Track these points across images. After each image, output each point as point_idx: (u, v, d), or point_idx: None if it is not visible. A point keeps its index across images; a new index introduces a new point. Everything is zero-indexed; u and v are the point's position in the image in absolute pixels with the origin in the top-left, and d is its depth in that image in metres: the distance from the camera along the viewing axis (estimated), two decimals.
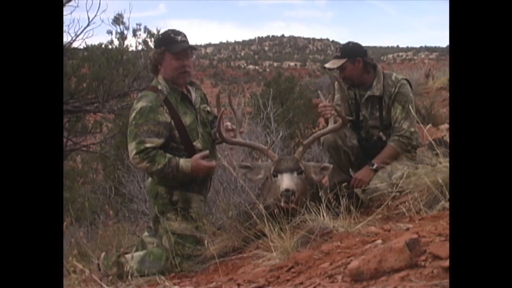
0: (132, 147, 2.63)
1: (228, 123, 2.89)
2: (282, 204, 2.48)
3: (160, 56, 2.75)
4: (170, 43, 2.73)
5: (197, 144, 2.79)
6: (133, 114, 2.65)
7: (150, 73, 3.05)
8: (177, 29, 2.83)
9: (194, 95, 2.91)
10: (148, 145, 2.62)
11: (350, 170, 3.07)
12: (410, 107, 3.01)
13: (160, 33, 2.95)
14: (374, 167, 2.97)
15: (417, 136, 3.27)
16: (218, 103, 2.80)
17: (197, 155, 2.70)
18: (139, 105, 2.66)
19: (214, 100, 2.97)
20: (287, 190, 2.49)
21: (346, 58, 3.10)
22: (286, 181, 2.54)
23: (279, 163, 2.65)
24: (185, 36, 2.79)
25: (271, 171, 2.67)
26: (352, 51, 3.14)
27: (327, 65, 3.17)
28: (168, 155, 2.66)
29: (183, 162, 2.67)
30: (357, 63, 3.13)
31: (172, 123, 2.71)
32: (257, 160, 4.19)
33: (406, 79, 3.19)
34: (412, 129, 3.08)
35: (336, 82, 3.12)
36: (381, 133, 3.15)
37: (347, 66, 3.11)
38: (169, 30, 2.82)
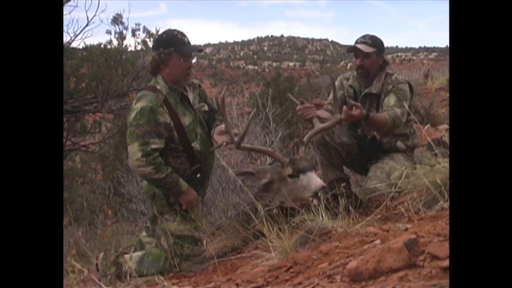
0: (135, 149, 2.59)
1: (222, 125, 2.80)
2: (314, 202, 2.43)
3: (167, 56, 2.71)
4: (179, 44, 2.71)
5: (196, 145, 2.78)
6: (133, 115, 2.62)
7: (148, 73, 3.01)
8: (177, 29, 2.82)
9: (192, 95, 2.89)
10: (153, 146, 2.60)
11: (344, 167, 3.07)
12: (405, 103, 2.97)
13: (162, 33, 2.87)
14: (367, 114, 2.86)
15: (415, 137, 3.27)
16: (223, 106, 2.73)
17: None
18: (138, 105, 2.63)
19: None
20: (324, 187, 2.47)
21: (375, 48, 3.07)
22: (318, 179, 2.53)
23: (296, 163, 2.60)
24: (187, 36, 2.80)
25: (286, 172, 2.59)
26: (380, 44, 3.12)
27: (359, 46, 3.06)
28: (169, 167, 2.66)
29: (182, 180, 2.69)
30: (380, 58, 3.12)
31: (172, 123, 2.69)
32: (256, 160, 4.19)
33: (407, 80, 3.17)
34: (403, 120, 3.01)
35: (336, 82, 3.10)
36: (375, 132, 3.14)
37: (372, 56, 3.08)
38: (173, 30, 2.79)
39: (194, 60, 2.86)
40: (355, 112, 2.74)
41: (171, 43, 2.71)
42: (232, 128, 2.78)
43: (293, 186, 2.57)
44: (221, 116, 2.83)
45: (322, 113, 3.09)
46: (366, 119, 2.88)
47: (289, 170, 2.59)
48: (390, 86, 3.08)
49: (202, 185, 2.93)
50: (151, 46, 6.84)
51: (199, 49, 2.92)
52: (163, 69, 2.76)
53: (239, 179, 2.75)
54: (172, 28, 2.85)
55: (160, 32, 6.86)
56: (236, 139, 2.64)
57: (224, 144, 2.70)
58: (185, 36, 2.77)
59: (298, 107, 2.88)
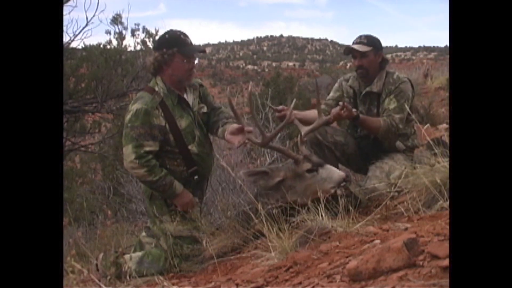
0: (129, 151, 2.59)
1: (235, 125, 2.76)
2: (339, 192, 2.48)
3: (170, 57, 2.69)
4: (182, 45, 2.70)
5: (193, 147, 2.76)
6: (129, 116, 2.62)
7: (148, 73, 3.00)
8: (177, 29, 2.82)
9: (192, 97, 2.87)
10: (147, 148, 2.59)
11: (344, 167, 3.08)
12: (406, 105, 2.99)
13: (164, 33, 2.85)
14: (357, 113, 2.94)
15: (415, 137, 3.27)
16: (250, 103, 2.68)
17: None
18: (134, 107, 2.63)
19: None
20: (347, 177, 2.55)
21: (372, 47, 3.08)
22: (338, 170, 2.60)
23: (312, 158, 2.63)
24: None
25: (303, 168, 2.60)
26: (377, 43, 3.12)
27: (355, 47, 3.08)
28: (164, 170, 2.66)
29: (177, 183, 2.68)
30: (378, 57, 3.12)
31: (167, 126, 2.67)
32: (255, 160, 4.20)
33: (408, 79, 3.17)
34: (401, 126, 3.05)
35: (327, 84, 3.11)
36: None
37: (369, 55, 3.09)
38: (175, 30, 2.78)
39: (196, 61, 2.85)
40: (344, 113, 2.82)
41: (174, 44, 2.70)
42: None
43: (312, 180, 2.57)
44: (227, 114, 2.86)
45: (313, 112, 3.08)
46: (355, 120, 2.93)
47: (307, 165, 2.60)
48: (392, 87, 3.08)
49: (200, 187, 2.92)
50: (150, 46, 6.86)
51: (202, 50, 2.90)
52: (165, 70, 2.74)
53: (251, 179, 2.69)
54: (171, 28, 2.84)
55: (159, 32, 6.89)
56: (251, 136, 2.64)
57: (242, 143, 2.68)
58: (187, 36, 2.75)
59: (277, 115, 2.92)
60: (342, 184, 2.51)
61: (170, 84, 2.74)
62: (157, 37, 6.82)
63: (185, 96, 2.82)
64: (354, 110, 2.95)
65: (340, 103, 2.94)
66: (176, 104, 2.74)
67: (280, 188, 2.61)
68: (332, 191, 2.48)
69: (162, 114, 2.67)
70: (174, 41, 2.71)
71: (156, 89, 2.72)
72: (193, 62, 2.78)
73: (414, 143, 3.23)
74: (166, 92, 2.72)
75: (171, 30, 2.80)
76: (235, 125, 2.71)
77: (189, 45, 2.74)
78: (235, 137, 2.72)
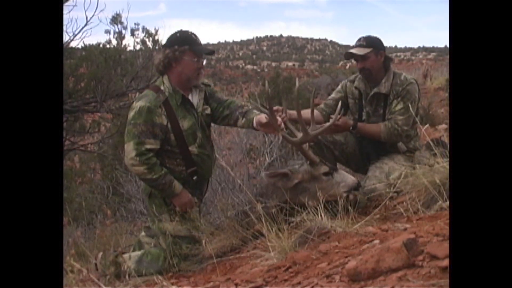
0: (130, 147, 2.60)
1: (264, 115, 2.73)
2: (351, 196, 2.55)
3: (181, 54, 2.70)
4: (194, 44, 2.73)
5: (193, 148, 2.77)
6: (132, 113, 2.64)
7: (149, 72, 3.00)
8: (178, 29, 2.84)
9: (197, 98, 2.87)
10: (148, 146, 2.60)
11: (338, 164, 3.12)
12: (412, 106, 3.00)
13: (175, 32, 2.83)
14: (354, 125, 3.04)
15: (417, 139, 3.27)
16: (269, 98, 2.64)
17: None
18: (138, 104, 2.65)
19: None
20: (359, 182, 2.68)
21: (372, 48, 3.07)
22: (350, 176, 2.67)
23: (326, 163, 2.71)
24: None
25: (320, 171, 2.63)
26: (377, 43, 3.13)
27: (353, 51, 3.09)
28: (164, 168, 2.66)
29: (176, 182, 2.69)
30: (380, 56, 3.12)
31: (169, 126, 2.68)
32: (255, 160, 4.20)
33: (415, 80, 3.17)
34: (405, 128, 3.07)
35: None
36: None
37: (370, 56, 3.09)
38: (186, 30, 2.80)
39: (204, 62, 2.85)
40: (341, 124, 2.94)
41: (186, 42, 2.72)
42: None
43: (327, 183, 2.61)
44: (238, 103, 2.90)
45: (307, 113, 3.07)
46: (353, 130, 3.00)
47: (324, 168, 2.64)
48: (399, 88, 3.08)
49: (199, 188, 2.92)
50: (150, 46, 6.84)
51: (212, 51, 2.91)
52: (174, 67, 2.74)
53: (272, 181, 2.67)
54: (171, 28, 2.87)
55: (159, 32, 6.88)
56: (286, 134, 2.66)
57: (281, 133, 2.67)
58: (197, 37, 2.78)
59: (266, 121, 2.94)
60: (354, 190, 2.59)
61: (176, 83, 2.75)
62: (156, 37, 6.84)
63: (189, 97, 2.82)
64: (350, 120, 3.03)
65: (332, 116, 2.98)
66: (180, 104, 2.75)
67: (296, 189, 2.62)
68: (345, 195, 2.53)
69: (165, 113, 2.67)
70: (186, 39, 2.73)
71: (162, 88, 2.73)
72: (202, 62, 2.80)
73: (415, 145, 3.23)
74: (171, 92, 2.73)
75: (181, 30, 2.82)
76: (263, 116, 2.70)
77: (199, 44, 2.77)
78: (268, 128, 2.75)
